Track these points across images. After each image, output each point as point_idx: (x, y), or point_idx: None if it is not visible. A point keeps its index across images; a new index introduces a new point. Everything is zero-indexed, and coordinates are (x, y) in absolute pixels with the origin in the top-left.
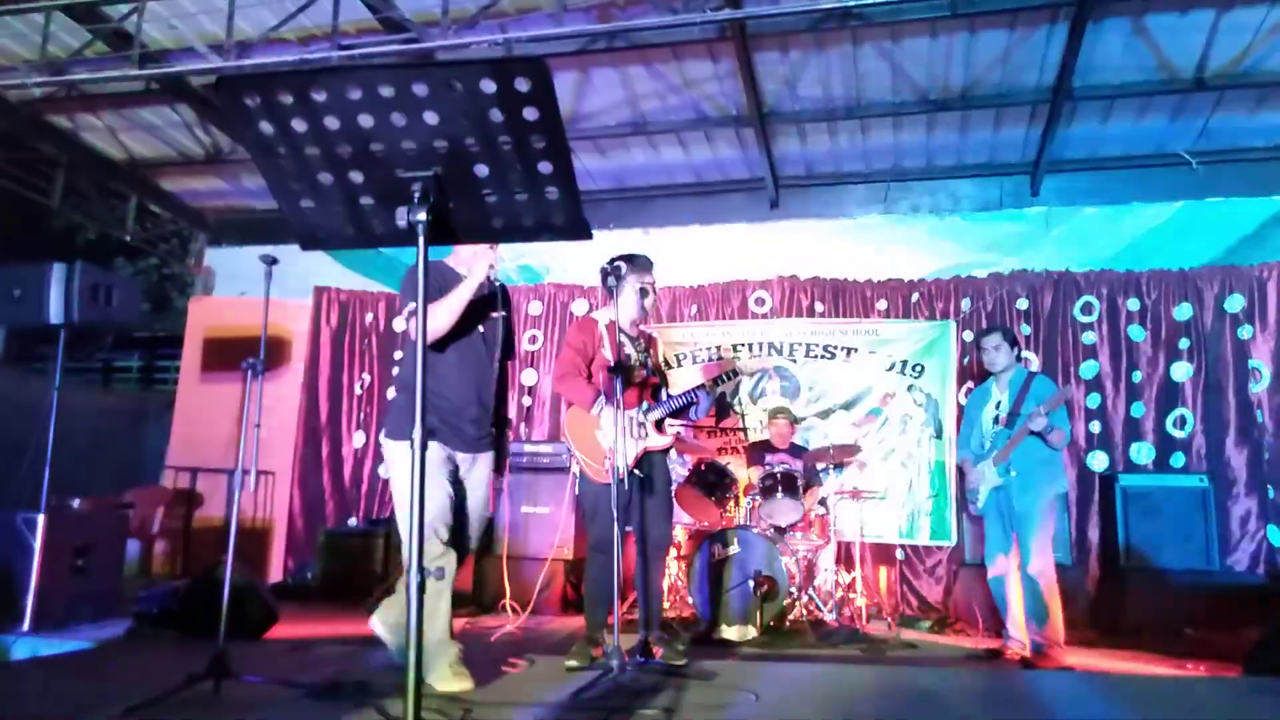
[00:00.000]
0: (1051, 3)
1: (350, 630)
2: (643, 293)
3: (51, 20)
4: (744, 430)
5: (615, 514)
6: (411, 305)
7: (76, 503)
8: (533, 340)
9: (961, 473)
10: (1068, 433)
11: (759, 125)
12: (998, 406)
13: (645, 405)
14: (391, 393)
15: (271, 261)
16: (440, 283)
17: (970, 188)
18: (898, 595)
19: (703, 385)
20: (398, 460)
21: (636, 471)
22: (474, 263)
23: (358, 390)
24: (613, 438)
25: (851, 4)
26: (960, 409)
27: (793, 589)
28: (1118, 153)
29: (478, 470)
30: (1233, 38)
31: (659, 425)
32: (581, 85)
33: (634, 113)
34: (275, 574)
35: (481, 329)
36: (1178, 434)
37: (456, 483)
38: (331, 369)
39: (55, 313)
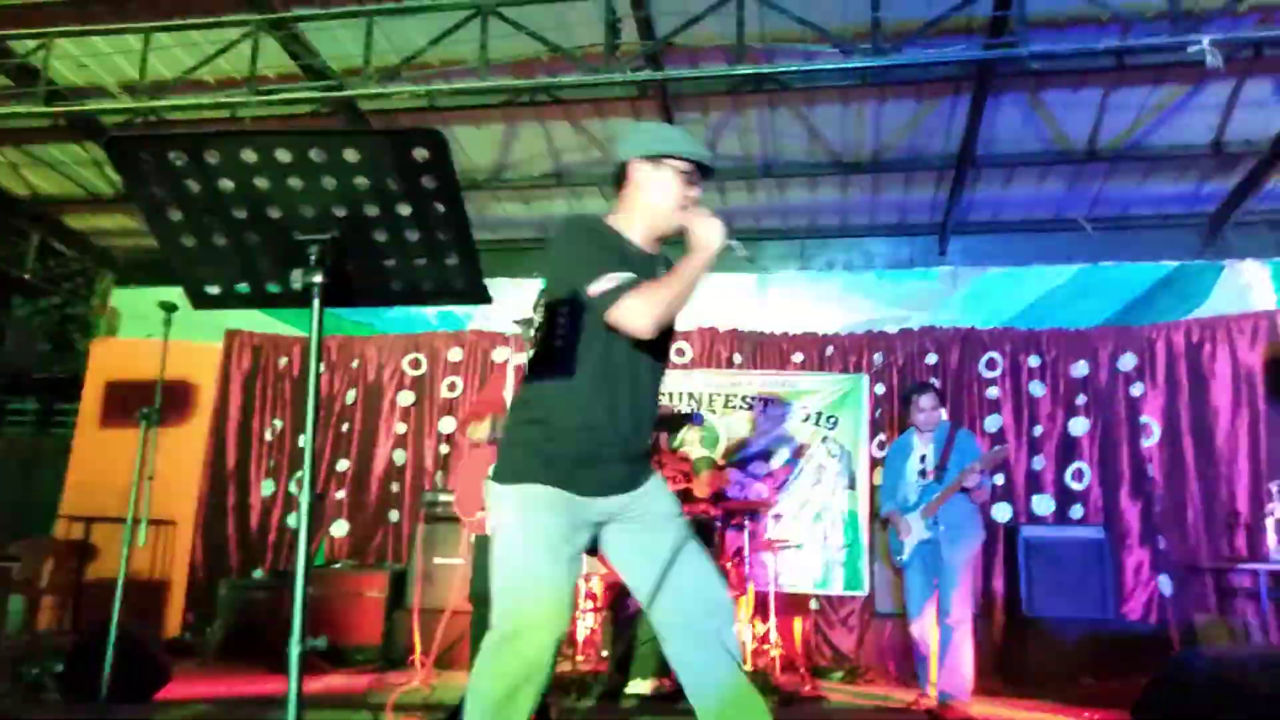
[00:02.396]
0: (954, 76)
1: (248, 690)
2: None
3: None
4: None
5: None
6: (619, 278)
7: None
8: (452, 388)
9: (885, 524)
10: (988, 489)
11: None
12: (922, 460)
13: None
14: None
15: (171, 309)
16: (618, 247)
17: (882, 246)
18: (811, 645)
19: None
20: (504, 508)
21: None
22: (679, 220)
23: (268, 436)
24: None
25: (765, 70)
26: (873, 461)
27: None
28: (1019, 217)
29: (649, 502)
30: (1120, 114)
31: None
32: (506, 137)
33: (557, 165)
34: (173, 629)
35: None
36: (1076, 486)
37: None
38: (241, 414)
39: None
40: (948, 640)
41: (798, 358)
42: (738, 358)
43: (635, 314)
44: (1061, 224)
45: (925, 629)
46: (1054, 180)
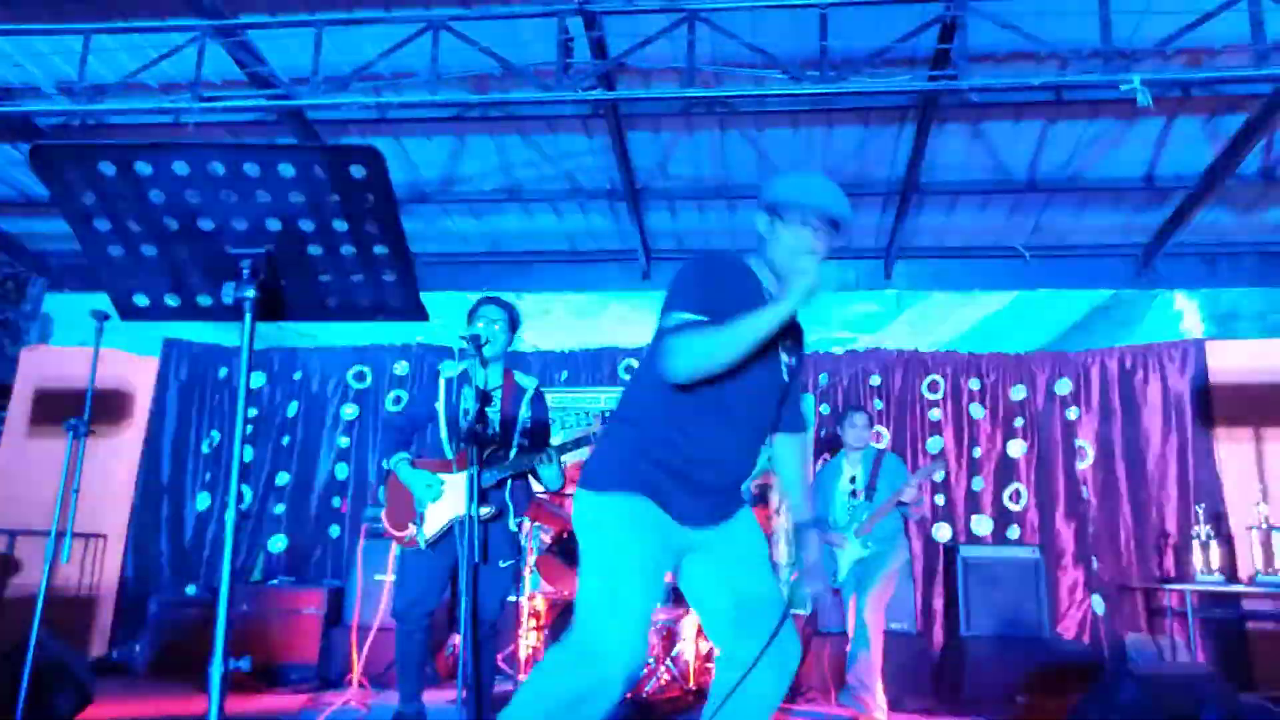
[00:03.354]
0: (900, 105)
1: (175, 710)
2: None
3: None
4: None
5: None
6: (686, 317)
7: None
8: (397, 401)
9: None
10: (924, 505)
11: (631, 199)
12: (853, 481)
13: (475, 468)
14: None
15: (103, 317)
16: (737, 290)
17: (829, 269)
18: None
19: (554, 448)
20: (605, 521)
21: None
22: (790, 269)
23: (205, 449)
24: (420, 496)
25: (715, 93)
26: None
27: (650, 659)
28: (961, 243)
29: (735, 533)
30: (1059, 146)
31: (485, 494)
32: (457, 150)
33: (508, 179)
34: (99, 647)
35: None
36: (1014, 507)
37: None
38: (178, 426)
39: None
40: (863, 638)
41: None
42: None
43: (673, 354)
44: (1002, 251)
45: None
46: (995, 208)
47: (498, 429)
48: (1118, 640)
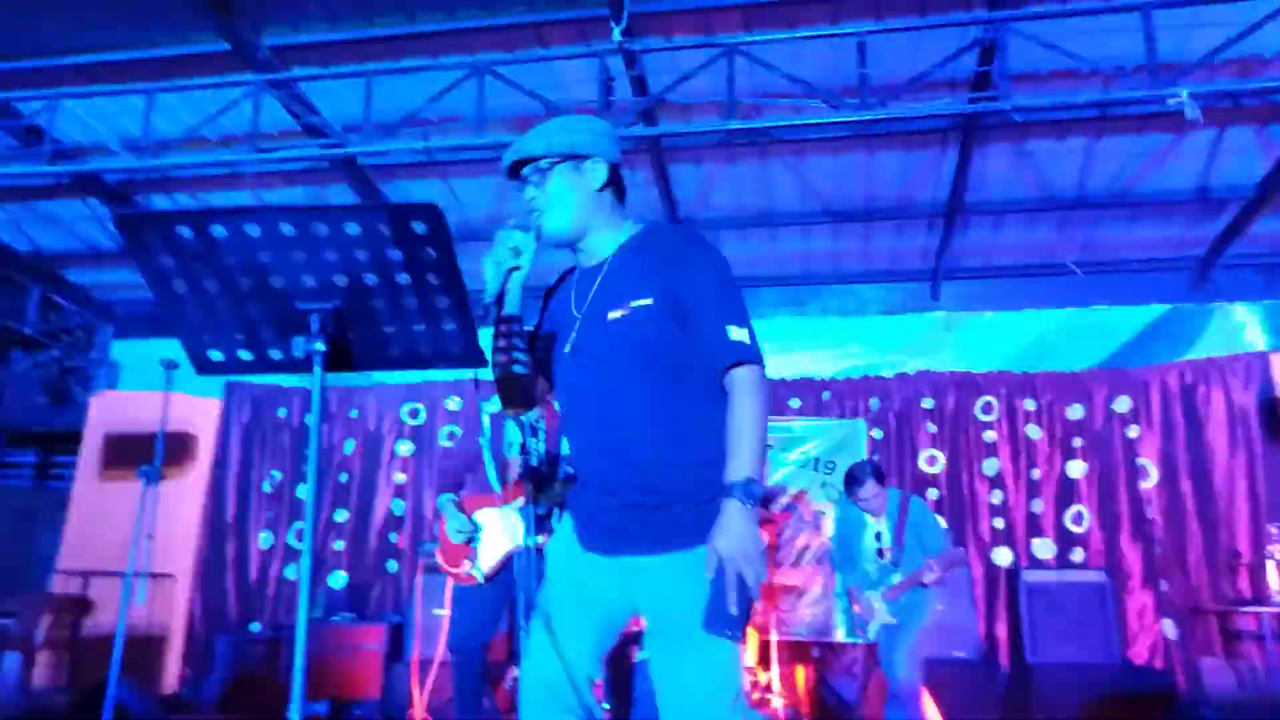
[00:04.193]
0: (941, 128)
1: None
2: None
3: None
4: None
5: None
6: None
7: None
8: (450, 437)
9: (850, 597)
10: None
11: None
12: (878, 538)
13: (520, 502)
14: (307, 490)
15: (172, 365)
16: None
17: (876, 292)
18: (816, 695)
19: None
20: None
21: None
22: None
23: (267, 488)
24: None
25: (756, 125)
26: None
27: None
28: (1009, 262)
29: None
30: (1106, 162)
31: (541, 524)
32: (502, 189)
33: None
34: (170, 685)
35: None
36: (1076, 529)
37: None
38: (241, 466)
39: None
40: (899, 701)
41: (794, 403)
42: None
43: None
44: (1052, 268)
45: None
46: (1043, 226)
47: (544, 460)
48: (1193, 666)
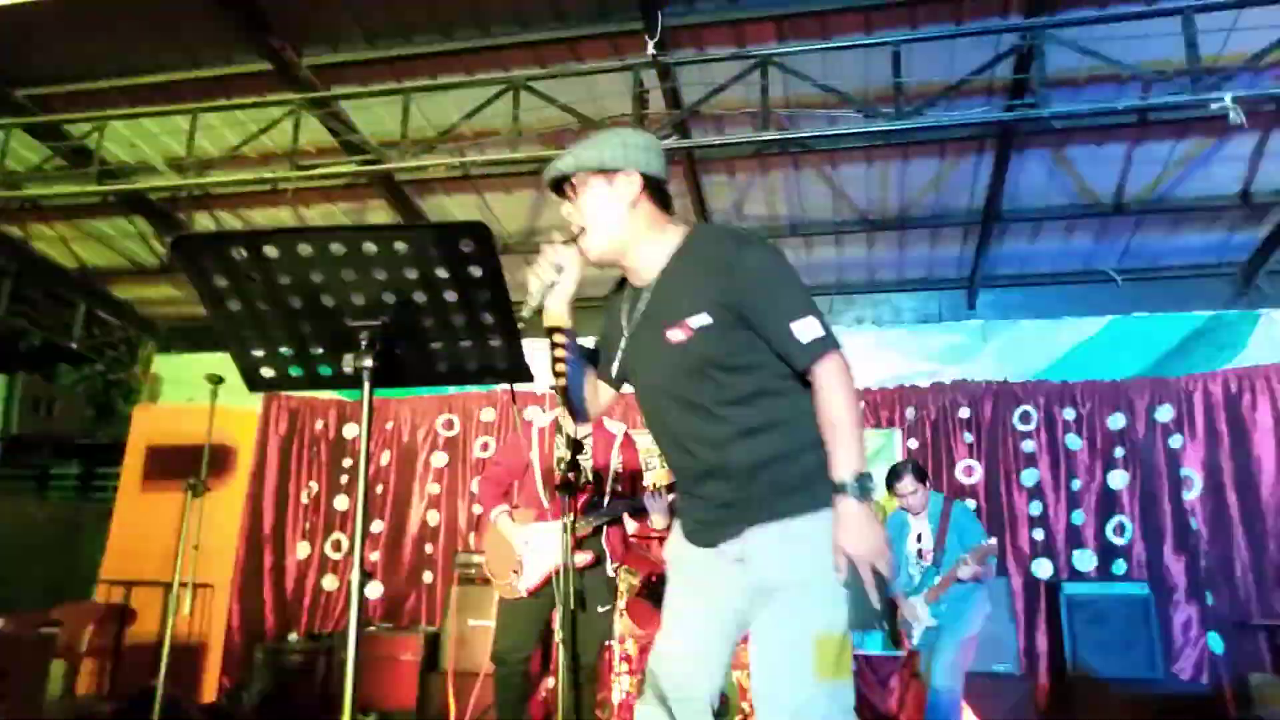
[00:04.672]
0: (977, 135)
1: None
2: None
3: (11, 137)
4: None
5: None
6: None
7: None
8: (485, 448)
9: (893, 605)
10: (993, 567)
11: None
12: (919, 540)
13: (570, 517)
14: (343, 501)
15: (217, 380)
16: None
17: (910, 301)
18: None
19: (654, 491)
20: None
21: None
22: None
23: (304, 499)
24: (519, 550)
25: (789, 135)
26: None
27: (744, 704)
28: (1047, 269)
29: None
30: (1146, 167)
31: (581, 541)
32: (537, 202)
33: None
34: (210, 694)
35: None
36: (1118, 541)
37: None
38: (278, 478)
39: None
40: (942, 711)
41: None
42: None
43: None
44: (1091, 276)
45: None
46: (1082, 233)
47: (590, 477)
48: (1241, 681)
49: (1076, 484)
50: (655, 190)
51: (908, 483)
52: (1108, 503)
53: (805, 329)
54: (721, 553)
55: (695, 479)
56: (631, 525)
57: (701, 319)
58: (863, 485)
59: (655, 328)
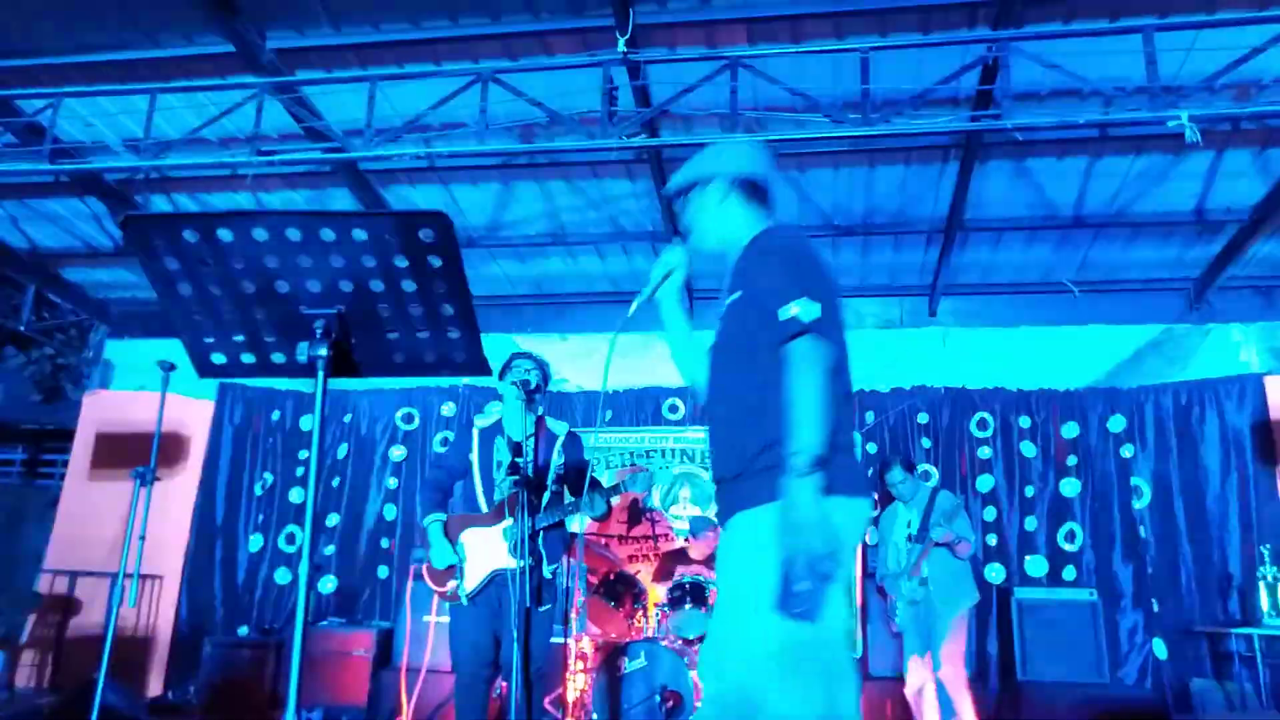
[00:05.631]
0: (942, 144)
1: None
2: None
3: None
4: (653, 539)
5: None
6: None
7: None
8: (444, 442)
9: (883, 592)
10: (973, 542)
11: (673, 241)
12: (909, 525)
13: (508, 523)
14: (298, 494)
15: (169, 367)
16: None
17: (873, 306)
18: None
19: (600, 489)
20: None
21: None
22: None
23: (258, 491)
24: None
25: (759, 137)
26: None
27: (699, 704)
28: (1007, 279)
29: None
30: (1105, 181)
31: (520, 545)
32: (503, 196)
33: (553, 224)
34: (155, 688)
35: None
36: (1069, 548)
37: None
38: (232, 468)
39: None
40: (947, 701)
41: None
42: None
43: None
44: (1049, 286)
45: (919, 690)
46: (1041, 244)
47: (530, 478)
48: (1182, 686)
49: (1030, 490)
50: (746, 187)
51: (896, 473)
52: (1059, 510)
53: (790, 310)
54: None
55: (709, 449)
56: (587, 525)
57: (733, 295)
58: (795, 463)
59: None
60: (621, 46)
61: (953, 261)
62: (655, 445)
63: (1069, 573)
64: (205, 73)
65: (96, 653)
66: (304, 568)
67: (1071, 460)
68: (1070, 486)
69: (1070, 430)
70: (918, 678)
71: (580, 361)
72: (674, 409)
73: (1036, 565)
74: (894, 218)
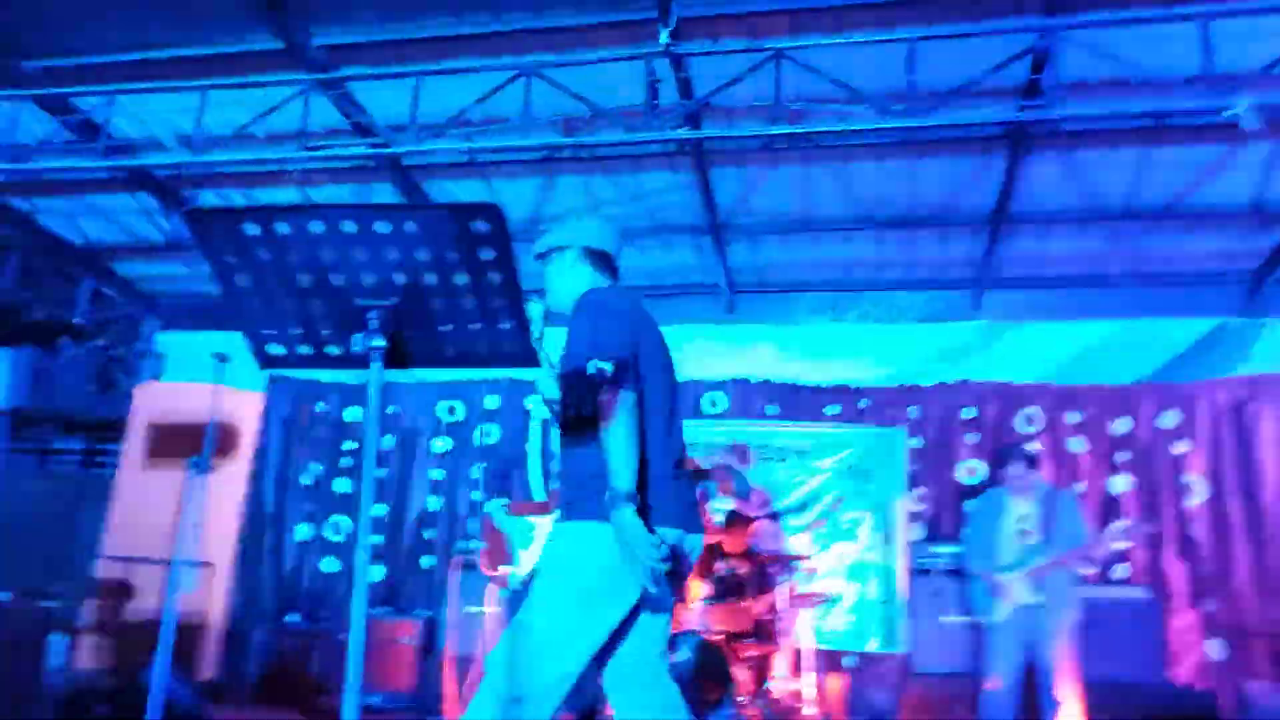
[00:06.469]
0: (989, 135)
1: None
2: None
3: (21, 109)
4: None
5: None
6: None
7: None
8: (485, 435)
9: (962, 576)
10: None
11: (714, 234)
12: (1020, 520)
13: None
14: (344, 484)
15: (223, 359)
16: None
17: (917, 300)
18: (849, 704)
19: None
20: None
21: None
22: None
23: (305, 481)
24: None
25: (802, 129)
26: (911, 515)
27: (742, 697)
28: (1056, 272)
29: None
30: (1158, 172)
31: None
32: (545, 190)
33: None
34: (208, 671)
35: None
36: (1120, 546)
37: None
38: (281, 459)
39: None
40: (1054, 714)
41: (832, 410)
42: (772, 409)
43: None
44: (1099, 279)
45: (999, 693)
46: (1091, 236)
47: None
48: (1239, 688)
49: (1080, 488)
50: (595, 259)
51: (1016, 467)
52: (1110, 508)
53: (595, 368)
54: None
55: None
56: None
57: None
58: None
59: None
60: (664, 39)
61: (999, 254)
62: (693, 439)
63: (1119, 571)
64: (253, 69)
65: (151, 637)
66: (362, 558)
67: (1122, 457)
68: (1121, 484)
69: (1121, 426)
70: (1001, 683)
71: None
72: (714, 403)
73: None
74: (939, 210)
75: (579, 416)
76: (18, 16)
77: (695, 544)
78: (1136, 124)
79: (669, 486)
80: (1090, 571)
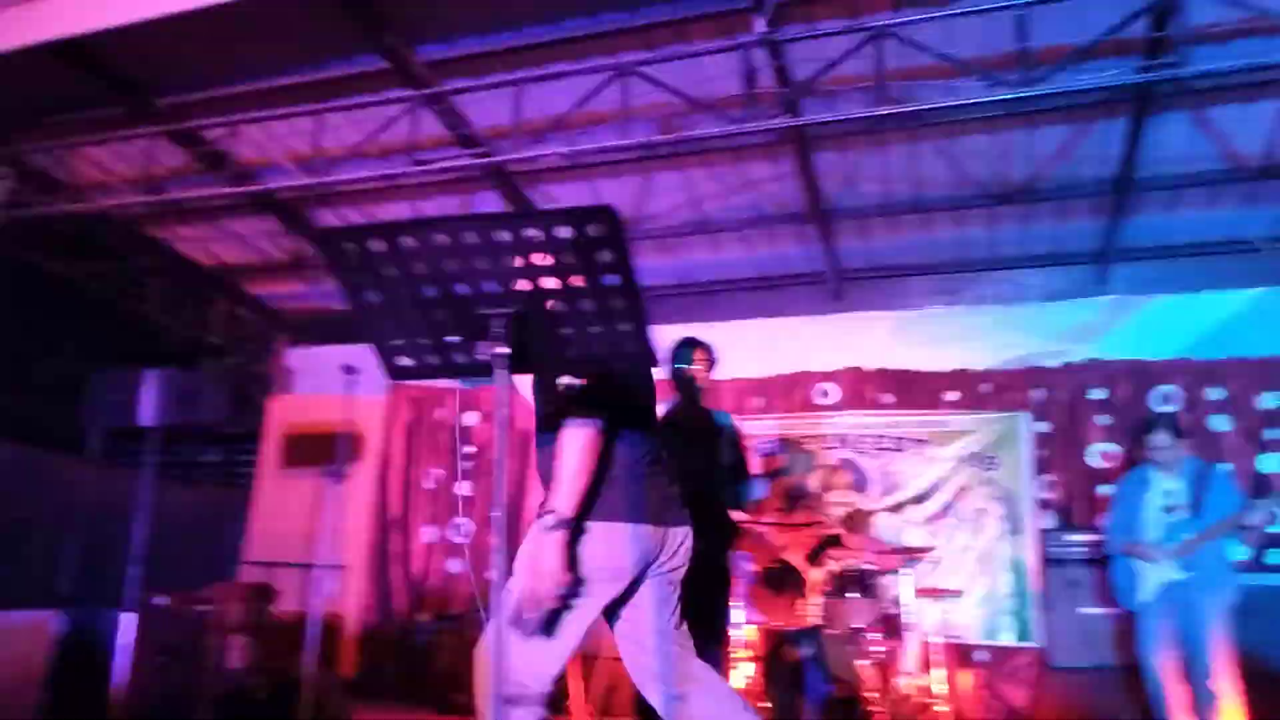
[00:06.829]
0: (1108, 100)
1: None
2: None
3: (155, 144)
4: (809, 525)
5: None
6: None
7: (160, 600)
8: None
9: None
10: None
11: (819, 222)
12: (1167, 494)
13: None
14: (463, 486)
15: (351, 371)
16: None
17: (1036, 277)
18: (983, 700)
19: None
20: None
21: None
22: None
23: (427, 485)
24: None
25: (908, 109)
26: (1040, 503)
27: (870, 693)
28: (1187, 240)
29: None
30: None
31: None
32: (644, 188)
33: (695, 212)
34: (346, 669)
35: None
36: (1271, 529)
37: None
38: (404, 464)
39: (148, 415)
40: (1210, 706)
41: (951, 396)
42: (887, 398)
43: None
44: (1237, 246)
45: (1166, 681)
46: (1226, 200)
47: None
48: None
49: (1224, 468)
50: None
51: (1162, 436)
52: (1259, 488)
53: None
54: None
55: None
56: (739, 514)
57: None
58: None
59: None
60: (760, 27)
61: (1124, 225)
62: (808, 431)
63: (1273, 556)
64: (363, 90)
65: (293, 638)
66: (500, 560)
67: (1270, 434)
68: (1271, 462)
69: (1268, 401)
70: (1164, 666)
71: (728, 349)
72: (825, 394)
73: (1234, 548)
74: (1058, 182)
75: (551, 418)
76: (151, 56)
77: (681, 536)
78: (1275, 76)
79: (641, 482)
80: (1246, 550)
